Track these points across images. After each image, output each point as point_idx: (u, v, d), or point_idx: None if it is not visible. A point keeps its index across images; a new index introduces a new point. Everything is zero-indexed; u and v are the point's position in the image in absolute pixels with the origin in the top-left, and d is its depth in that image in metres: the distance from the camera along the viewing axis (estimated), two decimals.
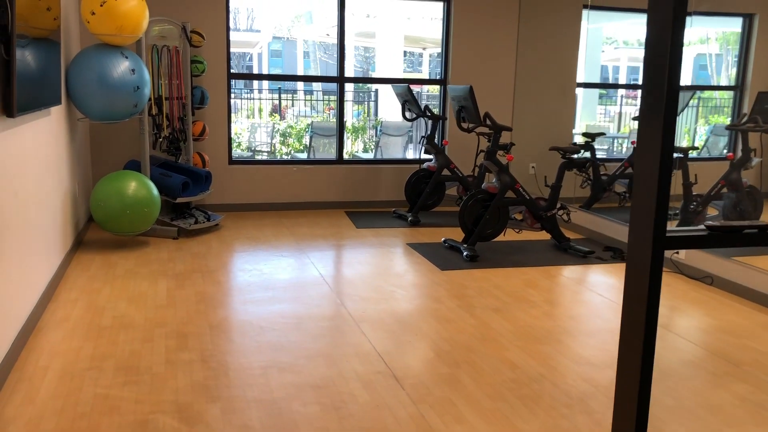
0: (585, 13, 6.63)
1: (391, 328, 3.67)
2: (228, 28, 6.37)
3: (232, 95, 6.63)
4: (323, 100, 16.48)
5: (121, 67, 4.87)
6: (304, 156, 10.22)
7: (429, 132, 6.49)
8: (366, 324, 3.73)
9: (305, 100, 16.48)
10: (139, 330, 3.53)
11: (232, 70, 6.42)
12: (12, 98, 3.08)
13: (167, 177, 5.51)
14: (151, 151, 5.59)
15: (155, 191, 5.11)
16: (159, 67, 5.65)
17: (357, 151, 11.48)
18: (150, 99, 5.47)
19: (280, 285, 4.40)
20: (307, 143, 9.97)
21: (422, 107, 6.45)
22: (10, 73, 3.08)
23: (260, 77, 15.92)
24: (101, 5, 4.72)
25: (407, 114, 6.57)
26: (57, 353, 3.21)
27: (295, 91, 16.13)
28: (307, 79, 17.75)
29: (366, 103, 13.97)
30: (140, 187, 5.01)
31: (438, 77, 7.28)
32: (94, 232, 5.59)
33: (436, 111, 7.02)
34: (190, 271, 4.63)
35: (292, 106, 15.31)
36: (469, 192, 6.23)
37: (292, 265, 4.87)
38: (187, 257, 4.96)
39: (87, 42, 5.47)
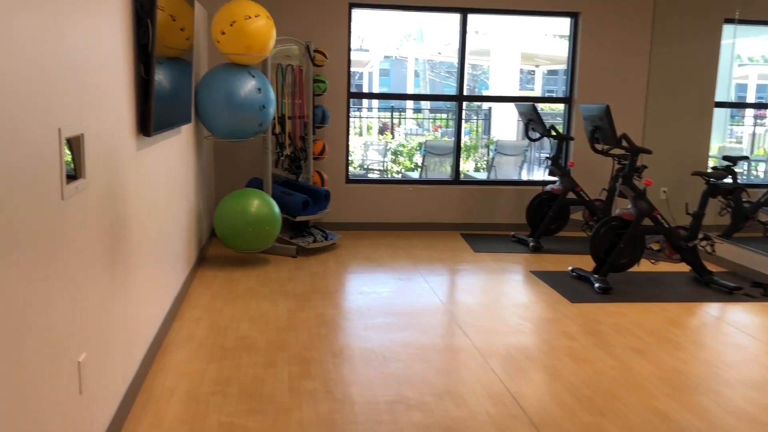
0: (727, 28, 6.12)
1: (522, 366, 3.41)
2: (349, 48, 6.35)
3: None
4: (431, 119, 16.37)
5: (248, 86, 4.91)
6: (415, 175, 10.10)
7: (554, 152, 6.16)
8: (494, 359, 3.48)
9: (414, 118, 16.43)
10: (261, 353, 3.46)
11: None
12: (150, 117, 3.10)
13: (288, 195, 5.50)
14: (272, 170, 5.61)
15: (277, 209, 5.10)
16: (283, 86, 5.67)
17: (468, 170, 11.24)
18: (274, 118, 5.50)
19: (399, 310, 4.23)
20: (420, 162, 9.83)
21: (547, 127, 6.15)
22: (149, 92, 3.10)
23: (380, 96, 16.00)
24: (231, 25, 4.78)
25: (531, 134, 6.28)
26: (182, 374, 3.18)
27: (403, 110, 16.12)
28: (426, 98, 17.72)
29: (476, 121, 13.72)
30: (262, 205, 5.02)
31: (563, 95, 6.95)
32: (216, 248, 5.67)
33: (560, 130, 6.68)
34: (310, 291, 4.55)
35: (399, 124, 15.29)
36: (597, 217, 5.85)
37: (410, 288, 4.70)
38: (306, 277, 4.90)
39: (214, 61, 5.58)
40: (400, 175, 10.54)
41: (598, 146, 5.09)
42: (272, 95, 5.08)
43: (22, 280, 1.71)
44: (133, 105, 2.99)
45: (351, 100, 6.46)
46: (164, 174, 3.74)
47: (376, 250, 5.81)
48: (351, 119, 6.53)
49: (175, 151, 4.12)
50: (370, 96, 16.63)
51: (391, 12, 6.86)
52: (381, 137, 13.66)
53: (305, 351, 3.51)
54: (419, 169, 10.42)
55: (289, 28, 6.08)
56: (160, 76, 3.34)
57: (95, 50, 2.39)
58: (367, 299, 4.45)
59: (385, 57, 18.67)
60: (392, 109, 13.49)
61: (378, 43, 17.26)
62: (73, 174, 2.19)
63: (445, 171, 9.02)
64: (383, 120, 15.33)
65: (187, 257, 4.57)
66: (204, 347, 3.52)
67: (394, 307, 4.30)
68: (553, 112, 12.56)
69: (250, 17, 4.78)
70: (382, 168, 10.56)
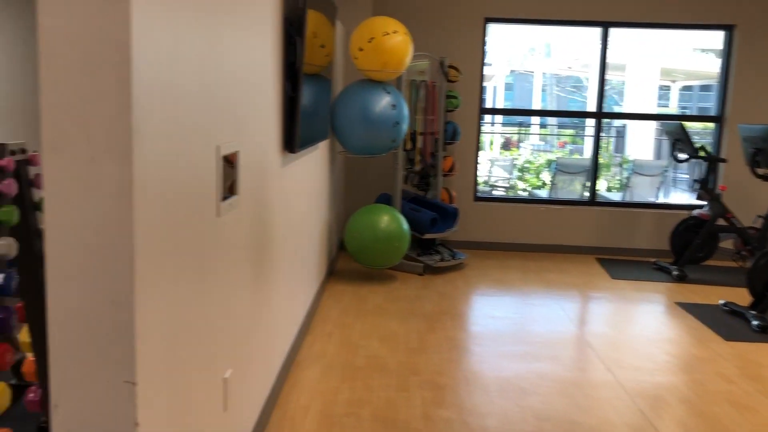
0: None
1: (675, 409, 3.11)
2: (483, 63, 6.21)
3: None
4: (556, 135, 15.85)
5: (383, 102, 4.89)
6: (543, 193, 9.78)
7: (703, 175, 5.71)
8: (643, 401, 3.20)
9: (540, 134, 15.99)
10: (393, 375, 3.38)
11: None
12: (295, 134, 3.12)
13: (417, 212, 5.43)
14: (401, 186, 5.57)
15: (406, 226, 5.04)
16: (416, 102, 5.63)
17: (598, 190, 10.73)
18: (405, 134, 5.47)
19: (534, 339, 4.02)
20: (549, 180, 9.50)
21: (696, 147, 5.71)
22: (295, 109, 3.12)
23: (514, 112, 15.66)
24: (369, 41, 4.79)
25: (678, 154, 5.85)
26: (315, 392, 3.15)
27: (528, 125, 15.73)
28: (562, 114, 17.26)
29: (605, 138, 13.12)
30: (392, 221, 4.98)
31: (714, 113, 6.45)
32: (345, 261, 5.69)
33: (710, 150, 6.20)
34: (439, 312, 4.44)
35: (521, 140, 14.91)
36: (751, 247, 5.34)
37: (544, 315, 4.47)
38: (434, 296, 4.79)
39: (349, 77, 5.63)
40: (526, 193, 10.24)
41: (760, 170, 4.64)
42: (406, 111, 5.04)
43: (180, 296, 1.72)
44: (280, 122, 3.02)
45: (482, 116, 6.32)
46: (303, 189, 3.77)
47: (505, 271, 5.61)
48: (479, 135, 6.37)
49: (313, 166, 4.15)
50: (503, 112, 16.32)
51: (521, 26, 6.66)
52: (504, 153, 13.38)
53: (437, 376, 3.39)
54: (546, 187, 10.08)
55: (423, 43, 6.04)
56: (304, 93, 3.36)
57: (250, 67, 2.42)
58: (498, 324, 4.27)
59: (510, 71, 18.35)
60: (520, 125, 13.17)
61: (502, 58, 16.98)
62: (228, 191, 2.21)
63: (574, 190, 8.65)
64: (506, 135, 15.03)
65: (319, 270, 4.60)
66: (336, 365, 3.49)
67: (528, 334, 4.10)
68: (693, 130, 11.77)
69: (388, 33, 4.78)
70: (507, 185, 10.31)
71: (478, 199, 6.41)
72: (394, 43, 4.81)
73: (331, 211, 5.20)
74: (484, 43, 6.19)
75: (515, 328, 4.21)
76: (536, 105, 16.88)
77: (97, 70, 1.33)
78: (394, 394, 3.16)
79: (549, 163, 11.03)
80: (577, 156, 12.60)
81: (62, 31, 1.33)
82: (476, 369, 3.51)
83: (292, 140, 3.13)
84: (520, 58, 17.79)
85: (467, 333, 4.07)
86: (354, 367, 3.47)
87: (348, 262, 5.68)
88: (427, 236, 5.44)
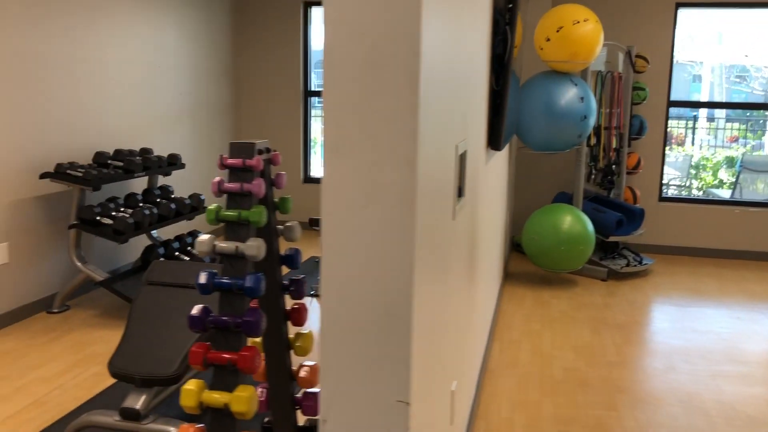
0: None
1: None
2: (672, 51, 5.72)
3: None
4: (724, 129, 14.54)
5: (569, 94, 4.60)
6: (723, 193, 8.95)
7: None
8: None
9: (708, 128, 14.75)
10: (597, 392, 3.12)
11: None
12: (501, 130, 2.95)
13: (600, 213, 5.09)
14: (583, 184, 5.24)
15: (590, 228, 4.73)
16: (601, 94, 5.28)
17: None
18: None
19: (750, 358, 3.59)
20: (734, 179, 8.68)
21: None
22: (502, 104, 2.95)
23: (707, 105, 14.59)
24: (557, 31, 4.51)
25: None
26: (516, 404, 2.97)
27: (693, 119, 14.55)
28: (751, 107, 15.98)
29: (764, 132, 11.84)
30: (575, 223, 4.68)
31: None
32: (516, 263, 5.46)
33: None
34: (632, 322, 4.11)
35: (686, 135, 13.81)
36: None
37: (757, 332, 4.00)
38: (624, 305, 4.45)
39: (531, 70, 5.38)
40: (701, 192, 9.44)
41: None
42: (594, 105, 4.72)
43: (435, 306, 1.60)
44: (487, 118, 2.87)
45: (669, 109, 5.83)
46: (493, 188, 3.60)
47: (698, 279, 5.12)
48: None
49: (500, 164, 3.97)
50: (693, 105, 15.20)
51: (713, 10, 6.06)
52: (673, 149, 12.45)
53: (646, 395, 3.10)
54: (726, 187, 9.25)
55: (609, 31, 5.65)
56: (509, 87, 3.18)
57: (473, 60, 2.27)
58: (704, 339, 3.87)
59: (678, 61, 17.05)
60: (695, 119, 12.22)
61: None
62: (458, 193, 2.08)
63: (757, 190, 7.83)
64: (675, 130, 14.00)
65: (498, 272, 4.42)
66: (531, 376, 3.29)
67: (742, 353, 3.67)
68: None
69: (578, 22, 4.48)
70: (680, 183, 9.55)
71: (663, 199, 5.92)
72: (585, 31, 4.51)
73: (508, 210, 4.99)
74: (674, 31, 5.69)
75: (725, 344, 3.79)
76: (704, 97, 15.58)
77: (385, 65, 1.23)
78: (603, 413, 2.91)
79: (728, 160, 10.11)
80: (760, 153, 11.47)
81: (348, 24, 1.24)
82: (690, 390, 3.17)
83: (498, 137, 2.96)
84: (681, 46, 16.50)
85: (669, 347, 3.72)
86: (553, 379, 3.25)
87: (521, 263, 5.44)
88: (612, 239, 5.08)
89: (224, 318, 1.67)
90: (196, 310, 1.69)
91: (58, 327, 3.81)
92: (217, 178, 1.74)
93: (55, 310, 4.04)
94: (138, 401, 2.47)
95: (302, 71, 6.43)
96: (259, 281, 1.67)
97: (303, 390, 2.09)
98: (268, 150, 1.83)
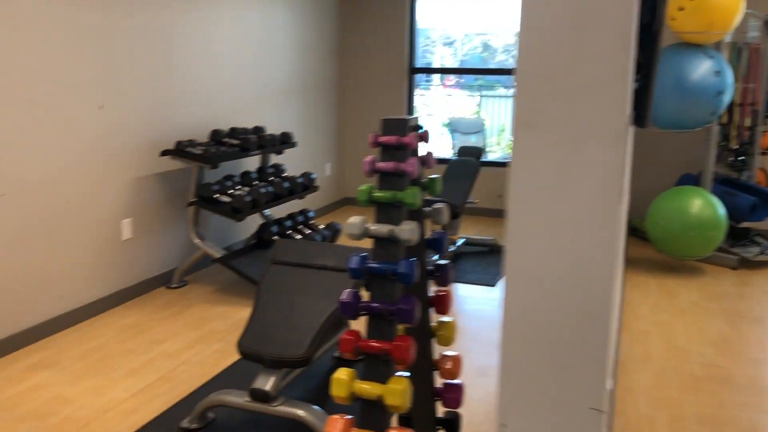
0: None
1: None
2: None
3: None
4: None
5: (703, 68, 4.25)
6: None
7: None
8: None
9: None
10: (745, 391, 2.86)
11: None
12: (647, 106, 2.71)
13: (732, 196, 4.71)
14: (713, 166, 4.86)
15: (722, 212, 4.38)
16: (737, 68, 4.86)
17: None
18: None
19: None
20: None
21: None
22: (649, 78, 2.71)
23: None
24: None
25: None
26: (656, 401, 2.76)
27: None
28: None
29: None
30: (705, 207, 4.34)
31: None
32: (635, 248, 5.15)
33: None
34: None
35: None
36: None
37: None
38: (761, 296, 4.10)
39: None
40: None
41: None
42: (730, 79, 4.34)
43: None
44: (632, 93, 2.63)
45: None
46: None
47: None
48: None
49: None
50: None
51: None
52: None
53: None
54: None
55: None
56: (657, 60, 2.92)
57: None
58: None
59: None
60: None
61: None
62: None
63: None
64: None
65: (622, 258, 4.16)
66: (668, 371, 3.06)
67: None
68: None
69: None
70: None
71: None
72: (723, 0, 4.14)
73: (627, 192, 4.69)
74: None
75: None
76: None
77: (593, 27, 1.07)
78: (755, 416, 2.66)
79: None
80: None
81: None
82: None
83: (644, 114, 2.72)
84: None
85: None
86: (692, 376, 3.01)
87: (640, 249, 5.13)
88: (743, 225, 4.70)
89: (377, 305, 1.58)
90: (347, 295, 1.60)
91: (177, 302, 3.88)
92: (369, 157, 1.64)
93: (174, 286, 4.13)
94: (267, 382, 2.44)
95: (407, 48, 6.29)
96: (413, 267, 1.56)
97: (444, 381, 1.98)
98: (419, 127, 1.71)
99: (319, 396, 2.81)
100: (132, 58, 3.77)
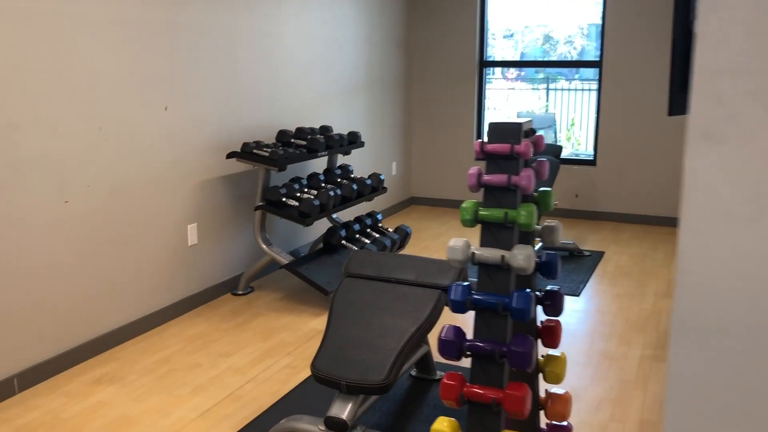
0: None
1: None
2: None
3: None
4: None
5: None
6: None
7: None
8: None
9: None
10: None
11: None
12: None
13: None
14: None
15: None
16: None
17: None
18: None
19: None
20: None
21: None
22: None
23: None
24: None
25: None
26: None
27: None
28: None
29: None
30: None
31: None
32: None
33: None
34: None
35: None
36: None
37: None
38: None
39: None
40: None
41: None
42: None
43: None
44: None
45: None
46: None
47: None
48: None
49: None
50: None
51: None
52: None
53: None
54: None
55: None
56: None
57: None
58: None
59: None
60: None
61: None
62: None
63: None
64: None
65: None
66: None
67: None
68: None
69: None
70: None
71: None
72: None
73: None
74: None
75: None
76: None
77: None
78: None
79: None
80: None
81: None
82: None
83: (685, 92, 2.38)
84: None
85: None
86: None
87: None
88: None
89: (485, 345, 1.33)
90: (448, 332, 1.36)
91: (244, 310, 3.73)
92: (475, 169, 1.39)
93: (240, 292, 3.98)
94: (344, 410, 2.23)
95: (477, 40, 6.00)
96: (530, 301, 1.31)
97: (550, 422, 1.72)
98: (532, 131, 1.45)
99: (398, 422, 2.59)
100: (197, 57, 3.62)
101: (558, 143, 6.84)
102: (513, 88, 9.48)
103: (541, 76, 9.16)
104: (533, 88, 9.35)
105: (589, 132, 7.74)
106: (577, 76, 9.00)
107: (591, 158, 5.82)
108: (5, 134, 2.66)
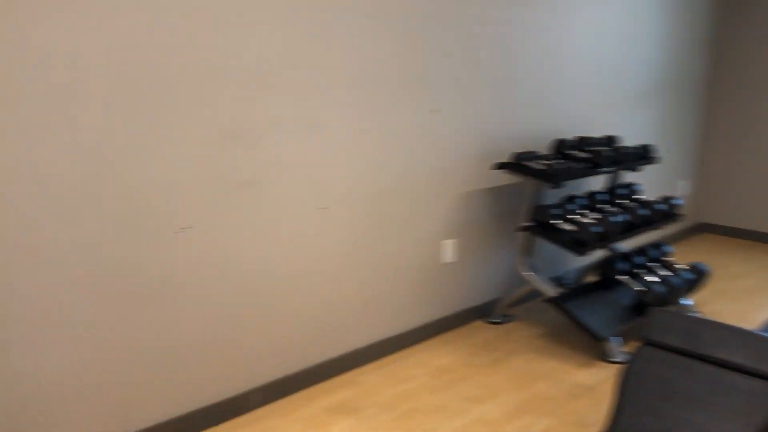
0: None
1: None
2: None
3: None
4: None
5: None
6: None
7: None
8: None
9: None
10: None
11: None
12: None
13: None
14: None
15: None
16: None
17: None
18: None
19: None
20: None
21: None
22: None
23: None
24: None
25: None
26: None
27: None
28: None
29: None
30: None
31: None
32: None
33: None
34: None
35: None
36: None
37: None
38: None
39: None
40: None
41: None
42: None
43: None
44: None
45: None
46: None
47: None
48: None
49: None
50: None
51: None
52: None
53: None
54: None
55: None
56: None
57: None
58: None
59: None
60: None
61: None
62: None
63: None
64: None
65: None
66: None
67: None
68: None
69: None
70: None
71: None
72: None
73: None
74: None
75: None
76: None
77: None
78: None
79: None
80: None
81: None
82: None
83: None
84: None
85: None
86: None
87: None
88: None
89: None
90: None
91: (499, 344, 3.24)
92: None
93: (495, 321, 3.50)
94: None
95: None
96: None
97: None
98: None
99: None
100: (470, 54, 3.19)
101: None
102: None
103: None
104: None
105: None
106: None
107: None
108: (267, 132, 2.47)
